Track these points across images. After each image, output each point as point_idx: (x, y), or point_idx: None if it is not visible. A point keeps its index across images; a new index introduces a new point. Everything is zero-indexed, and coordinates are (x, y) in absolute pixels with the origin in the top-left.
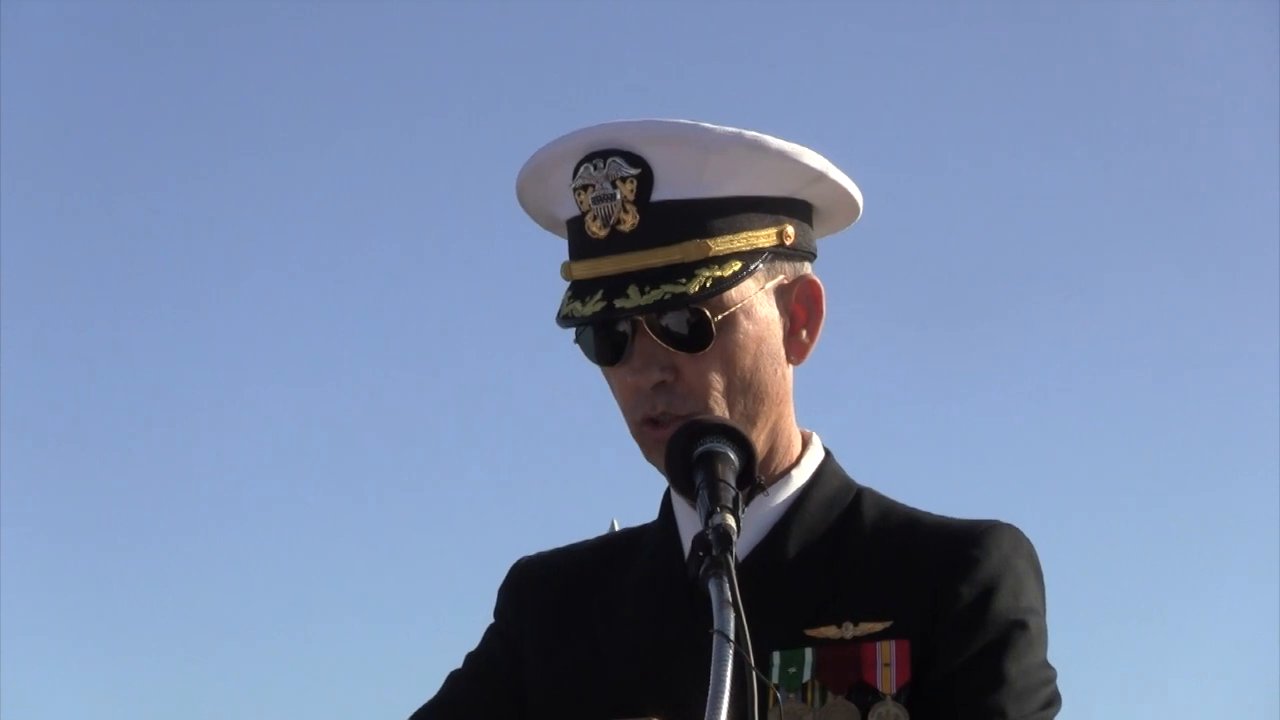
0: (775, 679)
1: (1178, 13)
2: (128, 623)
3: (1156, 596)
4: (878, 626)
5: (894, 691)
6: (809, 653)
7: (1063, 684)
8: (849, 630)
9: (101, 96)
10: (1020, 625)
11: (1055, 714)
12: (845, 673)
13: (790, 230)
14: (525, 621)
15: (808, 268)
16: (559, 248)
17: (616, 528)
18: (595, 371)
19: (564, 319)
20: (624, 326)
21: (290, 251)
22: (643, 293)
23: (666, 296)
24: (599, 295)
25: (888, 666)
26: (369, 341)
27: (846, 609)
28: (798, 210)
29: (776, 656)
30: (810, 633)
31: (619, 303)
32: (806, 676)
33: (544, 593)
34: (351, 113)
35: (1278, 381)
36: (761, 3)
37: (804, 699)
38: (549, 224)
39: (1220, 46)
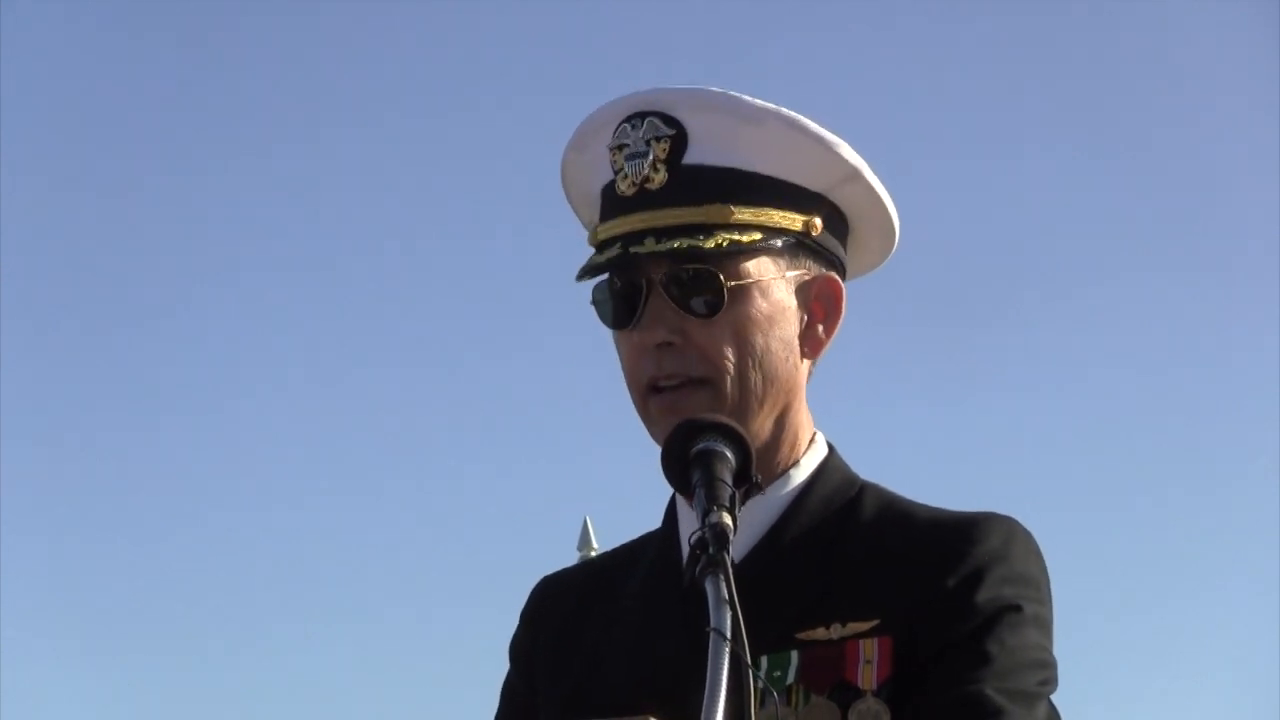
0: (760, 684)
1: (1178, 14)
2: (128, 623)
3: (1156, 596)
4: (864, 625)
5: (874, 688)
6: (794, 655)
7: (1063, 684)
8: (836, 631)
9: (102, 98)
10: (1011, 608)
11: (1048, 693)
12: (828, 673)
13: (818, 223)
14: (539, 645)
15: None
16: (552, 252)
17: (590, 526)
18: (582, 373)
19: (583, 271)
20: (638, 280)
21: (289, 253)
22: (658, 242)
23: (682, 246)
24: (617, 246)
25: (869, 664)
26: (366, 343)
27: (836, 609)
28: (830, 217)
29: (764, 660)
30: (799, 635)
31: (634, 249)
32: (791, 679)
33: (557, 609)
34: (348, 115)
35: (1278, 381)
36: (762, 4)
37: (788, 701)
38: (583, 202)
39: (1220, 47)
